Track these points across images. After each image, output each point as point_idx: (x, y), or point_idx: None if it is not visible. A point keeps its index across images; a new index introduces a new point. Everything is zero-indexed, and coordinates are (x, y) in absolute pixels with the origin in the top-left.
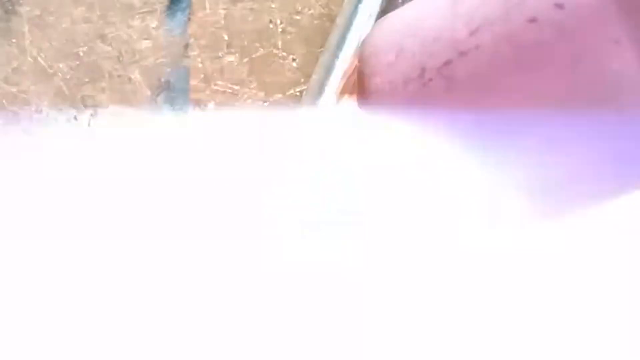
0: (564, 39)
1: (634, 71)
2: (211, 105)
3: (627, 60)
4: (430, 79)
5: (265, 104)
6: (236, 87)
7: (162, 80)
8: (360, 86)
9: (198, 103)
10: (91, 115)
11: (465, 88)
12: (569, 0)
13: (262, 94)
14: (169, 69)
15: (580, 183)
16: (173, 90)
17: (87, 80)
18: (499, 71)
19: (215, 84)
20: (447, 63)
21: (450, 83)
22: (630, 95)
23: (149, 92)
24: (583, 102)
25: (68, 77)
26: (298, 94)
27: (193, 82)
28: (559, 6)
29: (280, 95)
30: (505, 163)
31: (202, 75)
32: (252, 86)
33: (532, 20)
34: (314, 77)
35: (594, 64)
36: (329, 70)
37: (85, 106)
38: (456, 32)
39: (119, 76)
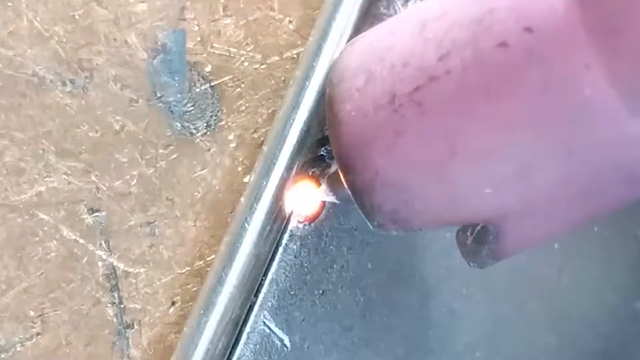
0: (534, 64)
1: (605, 96)
2: (208, 68)
3: (597, 85)
4: (401, 105)
5: (262, 66)
6: (233, 50)
7: (159, 43)
8: (330, 113)
9: (194, 66)
10: (87, 78)
11: (437, 113)
12: (538, 25)
13: (258, 56)
14: (165, 32)
15: (553, 206)
16: (169, 53)
17: (83, 43)
18: (470, 96)
19: (212, 47)
20: (418, 89)
21: (422, 109)
22: (601, 120)
23: (145, 55)
24: (554, 126)
25: (64, 40)
26: (295, 56)
27: (189, 45)
28: (528, 30)
29: (277, 58)
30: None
31: (198, 38)
32: (248, 49)
33: (502, 44)
34: (311, 39)
35: (564, 89)
36: (325, 32)
37: (82, 69)
38: (425, 57)
39: (115, 39)
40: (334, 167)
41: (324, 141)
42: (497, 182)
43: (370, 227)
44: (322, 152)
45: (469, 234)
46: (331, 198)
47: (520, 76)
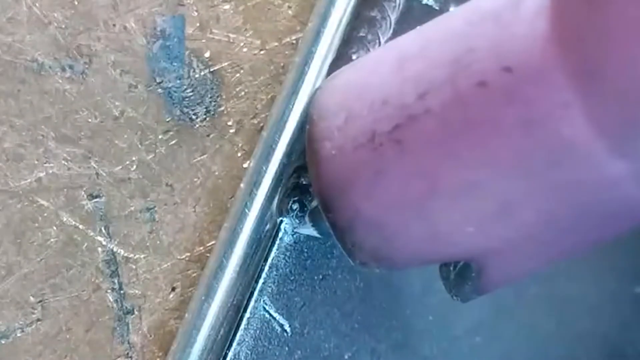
0: (513, 103)
1: (586, 136)
2: (207, 53)
3: (577, 126)
4: (381, 144)
5: (261, 52)
6: (232, 36)
7: (158, 29)
8: (310, 151)
9: (193, 51)
10: (86, 64)
11: (417, 153)
12: (517, 64)
13: (257, 42)
14: (164, 18)
15: (535, 243)
16: (168, 39)
17: (82, 29)
18: (450, 135)
19: (211, 33)
20: (397, 127)
21: (401, 148)
22: (581, 161)
23: (144, 41)
24: (534, 166)
25: (63, 26)
26: (294, 41)
27: (188, 30)
28: (507, 70)
29: (276, 44)
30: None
31: (197, 24)
32: (247, 34)
33: (481, 84)
34: (310, 24)
35: (544, 129)
36: (324, 17)
37: (81, 55)
38: (404, 96)
39: (114, 25)
40: (315, 202)
41: (302, 170)
42: (479, 220)
43: (353, 264)
44: (304, 182)
45: (451, 268)
46: (313, 232)
47: (500, 116)
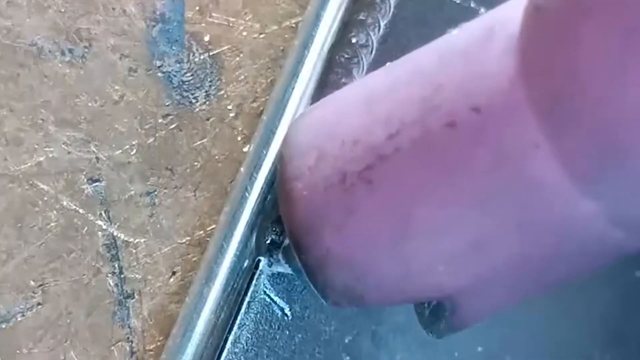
0: (483, 143)
1: (556, 177)
2: (206, 37)
3: (547, 166)
4: (352, 184)
5: (261, 35)
6: (232, 19)
7: (157, 12)
8: (281, 191)
9: (193, 35)
10: (86, 48)
11: (387, 192)
12: (485, 104)
13: (257, 25)
14: (164, 1)
15: (508, 279)
16: (168, 22)
17: (81, 13)
18: (420, 175)
19: (211, 16)
20: (368, 167)
21: (372, 187)
22: (552, 200)
23: (144, 25)
24: (505, 205)
25: (63, 10)
26: (294, 25)
27: (188, 14)
28: (476, 110)
29: (275, 27)
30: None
31: (197, 7)
32: (247, 18)
33: (450, 124)
34: (309, 8)
35: (514, 169)
36: (324, 1)
37: (80, 39)
38: (374, 136)
39: (113, 9)
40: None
41: None
42: (450, 259)
43: (325, 303)
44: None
45: (425, 306)
46: (288, 269)
47: (469, 156)
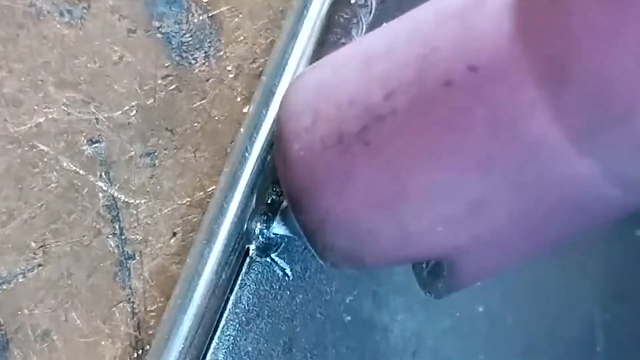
0: (480, 103)
1: (553, 136)
2: None
3: (544, 125)
4: (349, 145)
5: None
6: None
7: None
8: (278, 153)
9: None
10: (84, 9)
11: (385, 154)
12: (482, 63)
13: None
14: None
15: (506, 240)
16: None
17: None
18: (418, 136)
19: None
20: (365, 128)
21: (370, 148)
22: (549, 159)
23: None
24: (503, 165)
25: None
26: None
27: None
28: (473, 69)
29: None
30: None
31: None
32: None
33: (447, 83)
34: None
35: (511, 128)
36: None
37: (79, 0)
38: (371, 96)
39: None
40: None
41: None
42: (449, 220)
43: (324, 265)
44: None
45: (424, 266)
46: (285, 231)
47: (466, 115)
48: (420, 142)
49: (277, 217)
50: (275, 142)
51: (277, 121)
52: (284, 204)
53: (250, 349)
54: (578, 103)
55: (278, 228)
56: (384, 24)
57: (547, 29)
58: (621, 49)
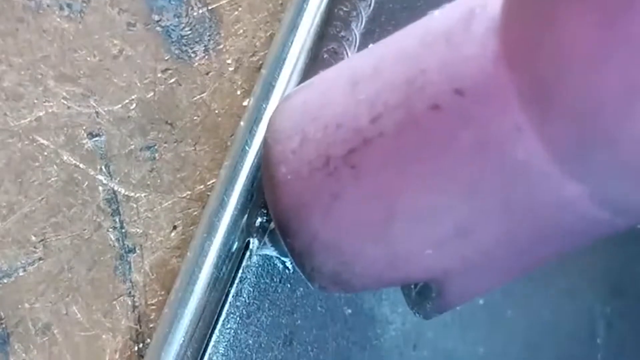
0: (466, 126)
1: (539, 159)
2: None
3: (530, 149)
4: (336, 168)
5: None
6: None
7: None
8: (266, 175)
9: None
10: (84, 2)
11: (372, 177)
12: (469, 87)
13: None
14: None
15: (494, 261)
16: None
17: None
18: (404, 158)
19: None
20: (352, 151)
21: (357, 172)
22: (535, 183)
23: None
24: (489, 188)
25: None
26: None
27: None
28: (459, 92)
29: None
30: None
31: None
32: None
33: (434, 107)
34: None
35: (497, 152)
36: None
37: None
38: (358, 119)
39: None
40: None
41: None
42: (436, 243)
43: (313, 288)
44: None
45: (412, 287)
46: (274, 252)
47: (453, 139)
48: (407, 165)
49: (266, 239)
50: (262, 165)
51: (265, 143)
52: (272, 225)
53: (251, 342)
54: (564, 126)
55: (267, 249)
56: (384, 17)
57: (533, 49)
58: (607, 72)
